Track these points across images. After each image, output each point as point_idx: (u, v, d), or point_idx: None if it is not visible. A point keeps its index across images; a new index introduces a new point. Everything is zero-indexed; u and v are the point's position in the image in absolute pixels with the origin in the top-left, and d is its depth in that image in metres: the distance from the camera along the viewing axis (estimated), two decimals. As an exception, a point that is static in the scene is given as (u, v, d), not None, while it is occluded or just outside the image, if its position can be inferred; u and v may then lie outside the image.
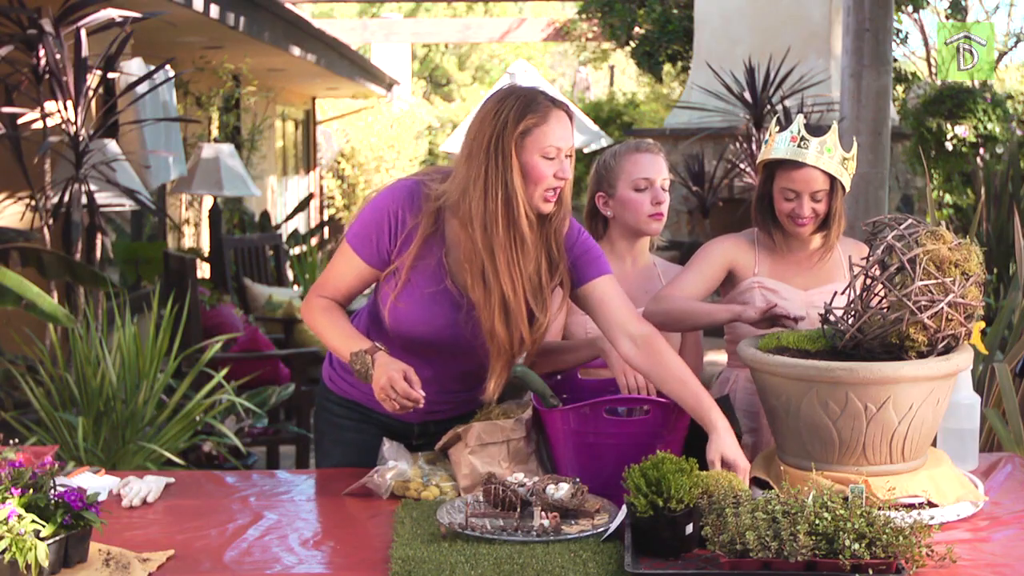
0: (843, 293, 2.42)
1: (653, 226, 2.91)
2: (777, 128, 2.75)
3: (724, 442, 2.31)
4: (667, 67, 13.11)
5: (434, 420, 2.66)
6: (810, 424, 2.27)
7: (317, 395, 2.85)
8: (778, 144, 2.72)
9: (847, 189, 2.76)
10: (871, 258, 2.33)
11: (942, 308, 2.22)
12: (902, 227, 2.31)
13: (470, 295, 2.47)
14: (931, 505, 2.26)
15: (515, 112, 2.39)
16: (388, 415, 2.61)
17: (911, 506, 2.24)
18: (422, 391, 2.37)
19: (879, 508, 2.01)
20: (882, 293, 2.31)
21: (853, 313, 2.33)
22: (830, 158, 2.68)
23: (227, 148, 8.51)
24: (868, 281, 2.35)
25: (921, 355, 2.26)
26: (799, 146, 2.68)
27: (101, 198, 5.39)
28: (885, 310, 2.28)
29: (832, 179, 2.71)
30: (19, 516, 1.92)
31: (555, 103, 2.42)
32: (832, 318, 2.39)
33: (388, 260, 2.50)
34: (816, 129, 2.71)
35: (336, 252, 2.57)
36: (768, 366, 2.31)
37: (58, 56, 4.98)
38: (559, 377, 2.70)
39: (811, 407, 2.25)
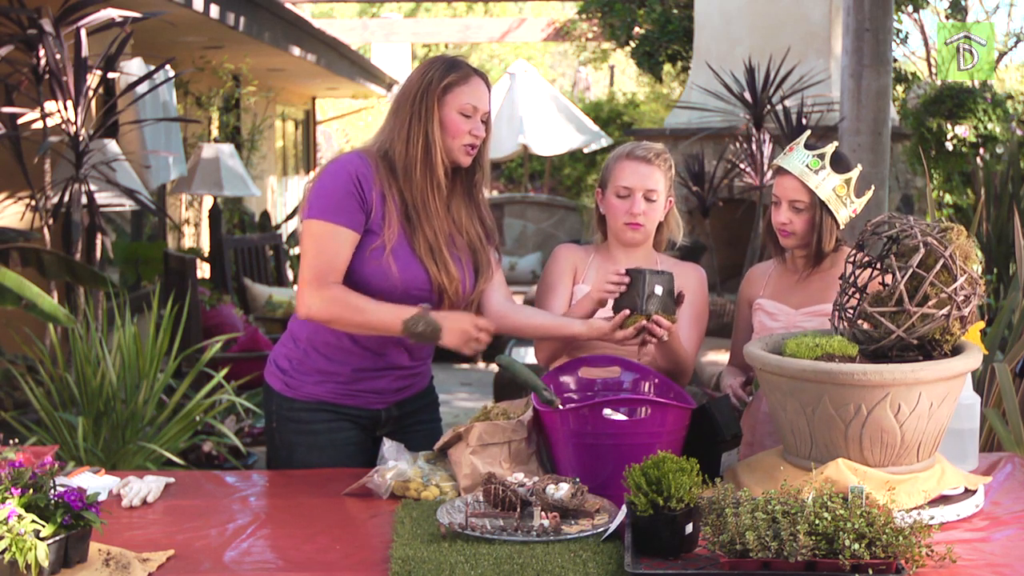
0: (882, 289, 2.37)
1: (628, 235, 2.87)
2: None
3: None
4: (667, 67, 13.09)
5: (396, 402, 2.79)
6: (812, 424, 2.27)
7: (272, 411, 2.80)
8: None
9: (839, 220, 2.78)
10: (910, 258, 2.29)
11: (972, 301, 2.27)
12: (921, 224, 2.32)
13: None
14: (932, 504, 2.26)
15: (439, 72, 2.64)
16: (356, 406, 2.74)
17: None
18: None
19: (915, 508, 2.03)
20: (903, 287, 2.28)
21: (890, 314, 2.31)
22: (814, 172, 2.74)
23: (227, 148, 8.50)
24: (888, 278, 2.33)
25: (928, 356, 2.27)
26: (786, 152, 2.79)
27: (101, 198, 5.39)
28: (930, 307, 2.27)
29: (812, 194, 2.75)
30: (19, 516, 1.92)
31: (476, 71, 2.68)
32: (859, 321, 2.36)
33: (366, 219, 2.60)
34: (814, 145, 2.78)
35: (310, 236, 2.57)
36: (770, 366, 2.32)
37: (58, 56, 4.98)
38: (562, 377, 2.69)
39: (814, 407, 2.25)
